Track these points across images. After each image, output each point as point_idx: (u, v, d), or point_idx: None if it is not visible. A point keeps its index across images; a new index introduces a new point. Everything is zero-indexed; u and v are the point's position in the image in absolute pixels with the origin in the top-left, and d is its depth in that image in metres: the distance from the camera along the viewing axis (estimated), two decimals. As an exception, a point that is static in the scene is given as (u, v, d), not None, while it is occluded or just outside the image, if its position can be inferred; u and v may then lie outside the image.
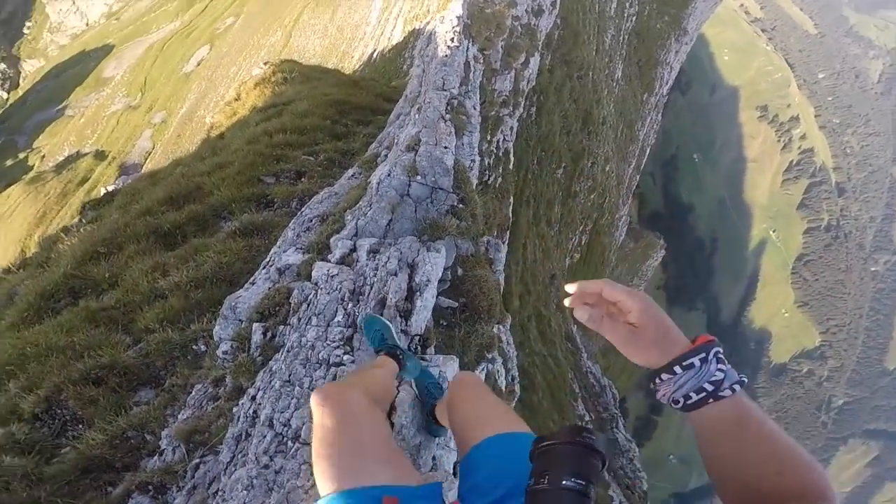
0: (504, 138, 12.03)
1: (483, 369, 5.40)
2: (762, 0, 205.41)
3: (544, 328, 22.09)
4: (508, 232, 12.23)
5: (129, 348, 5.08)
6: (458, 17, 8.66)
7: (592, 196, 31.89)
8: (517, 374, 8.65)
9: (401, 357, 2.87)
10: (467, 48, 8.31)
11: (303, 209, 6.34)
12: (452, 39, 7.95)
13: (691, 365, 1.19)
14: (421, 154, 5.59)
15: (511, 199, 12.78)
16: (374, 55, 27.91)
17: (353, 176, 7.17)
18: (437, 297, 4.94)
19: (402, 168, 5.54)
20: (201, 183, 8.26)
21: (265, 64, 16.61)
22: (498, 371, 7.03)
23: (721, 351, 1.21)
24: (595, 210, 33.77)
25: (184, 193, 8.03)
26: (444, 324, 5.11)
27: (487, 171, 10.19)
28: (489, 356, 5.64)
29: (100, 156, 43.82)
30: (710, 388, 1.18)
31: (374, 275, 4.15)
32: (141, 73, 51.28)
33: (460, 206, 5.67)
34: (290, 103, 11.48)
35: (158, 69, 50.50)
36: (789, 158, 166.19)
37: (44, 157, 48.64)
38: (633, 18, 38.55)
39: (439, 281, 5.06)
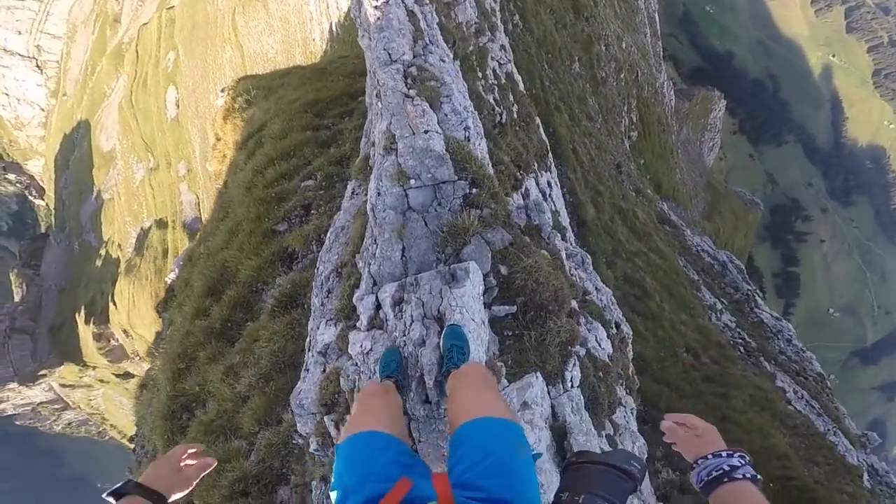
0: (498, 65, 10.42)
1: (574, 365, 4.50)
2: None
3: (633, 222, 20.48)
4: (549, 153, 10.70)
5: (248, 455, 5.40)
6: None
7: (622, 75, 29.74)
8: (621, 318, 7.80)
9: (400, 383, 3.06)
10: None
11: (318, 265, 5.78)
12: None
13: (720, 454, 1.73)
14: (402, 152, 4.49)
15: (538, 121, 11.20)
16: (334, 28, 26.86)
17: (353, 194, 6.29)
18: (489, 310, 4.21)
19: (389, 179, 4.49)
20: (226, 261, 8.05)
21: (223, 91, 15.62)
22: (600, 339, 5.96)
23: (745, 456, 1.72)
24: (632, 87, 31.54)
25: (217, 278, 7.98)
26: (510, 335, 4.27)
27: (497, 108, 8.70)
28: (575, 349, 4.57)
29: (161, 224, 44.92)
30: (727, 468, 1.67)
31: (405, 338, 3.59)
32: (133, 135, 51.28)
33: (474, 191, 4.52)
34: (263, 127, 10.64)
35: (146, 125, 50.24)
36: None
37: (119, 245, 50.61)
38: None
39: (485, 291, 4.24)
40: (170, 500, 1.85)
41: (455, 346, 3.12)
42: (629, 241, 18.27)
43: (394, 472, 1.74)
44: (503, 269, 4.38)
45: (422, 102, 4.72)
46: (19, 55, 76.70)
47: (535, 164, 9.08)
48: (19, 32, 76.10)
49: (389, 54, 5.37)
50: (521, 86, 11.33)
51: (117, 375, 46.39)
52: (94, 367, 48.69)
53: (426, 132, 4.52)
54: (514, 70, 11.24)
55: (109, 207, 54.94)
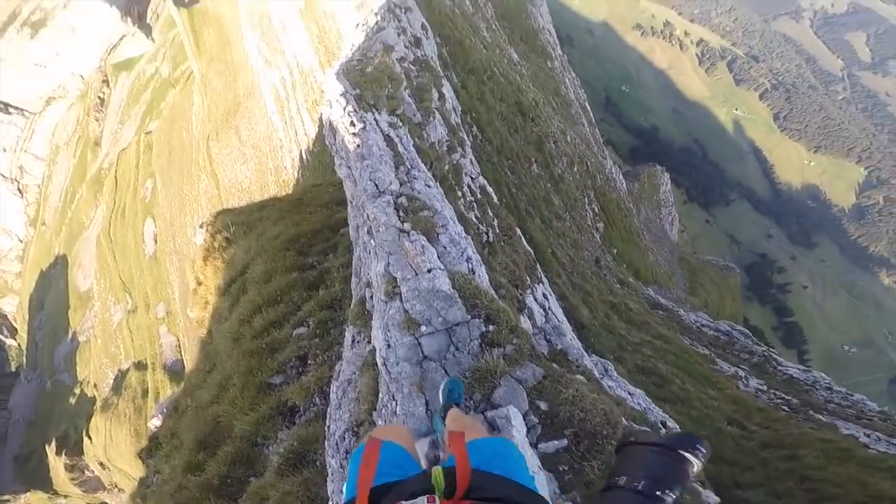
0: (471, 179, 10.44)
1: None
2: None
3: (627, 315, 20.14)
4: (537, 264, 10.47)
5: None
6: (344, 95, 7.19)
7: (575, 168, 30.73)
8: (663, 415, 7.64)
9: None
10: (376, 121, 6.78)
11: (328, 423, 5.37)
12: (352, 123, 6.44)
13: None
14: (407, 297, 4.14)
15: (518, 231, 11.08)
16: (304, 155, 27.49)
17: (354, 342, 5.89)
18: (536, 449, 3.80)
19: (398, 328, 4.15)
20: (218, 416, 7.48)
21: (201, 227, 15.21)
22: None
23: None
24: (586, 178, 32.51)
25: (208, 433, 7.42)
26: (566, 469, 3.87)
27: (481, 227, 8.50)
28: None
29: (140, 366, 43.85)
30: None
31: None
32: (111, 274, 50.62)
33: (490, 328, 4.08)
34: (246, 269, 10.23)
35: (123, 263, 49.81)
36: (692, 53, 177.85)
37: (95, 385, 48.95)
38: (489, 5, 38.72)
39: (527, 430, 3.84)
40: None
41: (456, 391, 3.53)
42: (630, 333, 17.92)
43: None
44: (542, 405, 3.99)
45: (419, 237, 4.40)
46: (1, 175, 77.21)
47: (528, 279, 8.78)
48: (3, 150, 76.90)
49: (376, 185, 5.14)
50: (496, 198, 11.34)
51: (93, 506, 43.12)
52: (65, 497, 45.74)
53: (429, 271, 4.22)
54: (487, 183, 11.29)
55: (85, 349, 53.38)
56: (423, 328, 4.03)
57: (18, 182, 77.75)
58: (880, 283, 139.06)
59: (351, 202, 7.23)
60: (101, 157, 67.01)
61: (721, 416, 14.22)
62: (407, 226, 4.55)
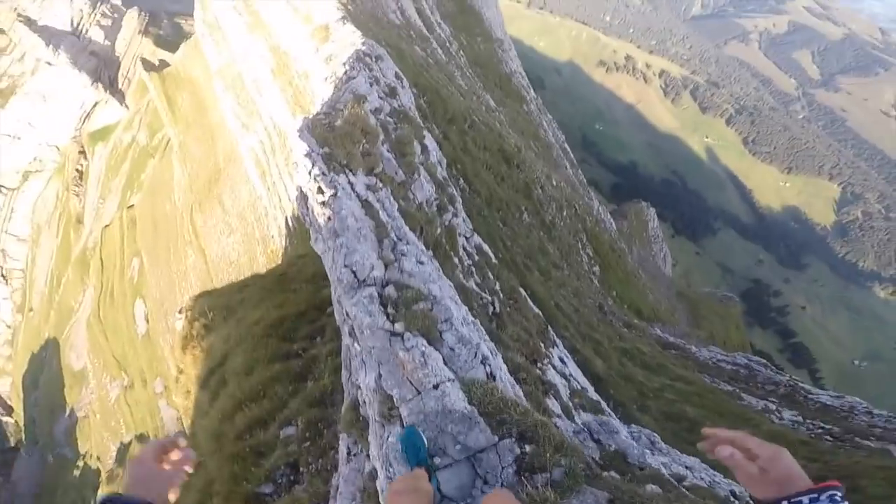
0: (466, 239, 9.47)
1: None
2: None
3: (642, 360, 19.19)
4: (548, 326, 9.42)
5: None
6: (309, 155, 6.25)
7: (565, 213, 30.17)
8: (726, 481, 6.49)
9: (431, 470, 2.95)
10: (350, 185, 5.82)
11: None
12: (321, 189, 5.44)
13: (799, 502, 1.33)
14: (410, 420, 3.06)
15: (523, 292, 10.09)
16: (290, 222, 26.45)
17: (351, 454, 4.88)
18: None
19: (400, 462, 3.12)
20: None
21: (180, 313, 14.14)
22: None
23: (838, 494, 1.32)
24: (577, 221, 31.95)
25: None
26: None
27: (485, 295, 7.45)
28: None
29: (142, 439, 42.18)
30: None
31: None
32: (104, 353, 49.04)
33: (528, 448, 3.01)
34: (225, 360, 9.13)
35: (116, 343, 48.28)
36: (657, 85, 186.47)
37: (98, 458, 47.14)
38: (461, 53, 39.34)
39: None
40: None
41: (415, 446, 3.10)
42: (648, 379, 16.96)
43: None
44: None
45: (416, 340, 3.37)
46: None
47: (543, 345, 7.73)
48: None
49: (354, 272, 4.08)
50: (493, 257, 10.39)
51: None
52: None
53: (436, 387, 3.18)
54: (482, 241, 10.36)
55: (85, 424, 51.63)
56: (437, 460, 3.02)
57: (2, 267, 76.84)
58: (876, 296, 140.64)
59: (333, 290, 6.27)
60: (85, 235, 66.04)
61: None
62: (399, 326, 3.51)
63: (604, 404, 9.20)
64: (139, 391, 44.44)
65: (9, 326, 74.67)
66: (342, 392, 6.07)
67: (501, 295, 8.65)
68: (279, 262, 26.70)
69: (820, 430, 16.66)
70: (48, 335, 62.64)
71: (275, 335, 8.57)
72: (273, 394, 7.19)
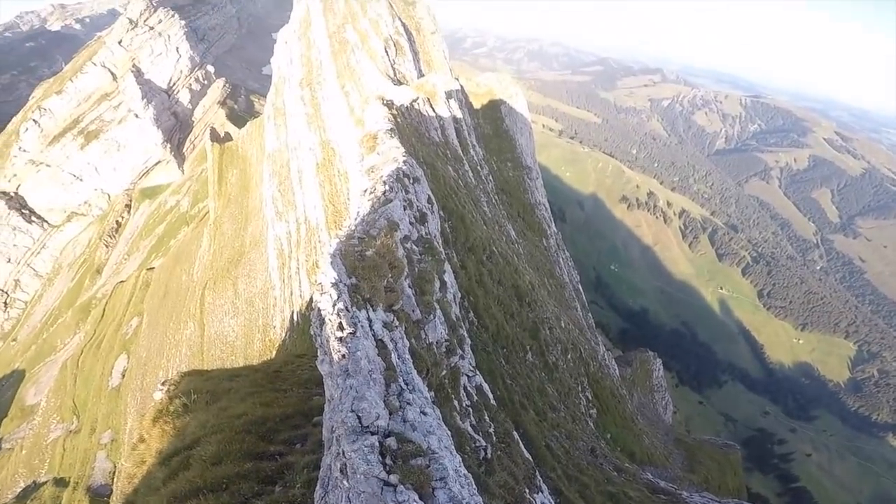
0: (468, 378, 9.74)
1: None
2: (550, 113, 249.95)
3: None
4: (536, 471, 9.41)
5: None
6: (336, 285, 6.71)
7: (569, 356, 30.25)
8: None
9: None
10: (369, 323, 6.26)
11: None
12: (341, 326, 5.84)
13: None
14: None
15: (516, 436, 10.16)
16: (294, 317, 26.86)
17: None
18: None
19: None
20: None
21: (163, 385, 13.96)
22: None
23: None
24: (580, 365, 31.86)
25: None
26: None
27: (478, 439, 7.62)
28: None
29: (60, 482, 40.70)
30: None
31: None
32: (66, 395, 48.32)
33: None
34: (196, 444, 8.81)
35: (83, 388, 47.69)
36: (676, 226, 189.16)
37: None
38: (490, 178, 40.90)
39: None
40: None
41: None
42: None
43: None
44: None
45: (408, 493, 3.65)
46: None
47: (528, 491, 7.79)
48: (9, 260, 76.51)
49: (359, 418, 4.41)
50: (492, 397, 10.62)
51: None
52: None
53: None
54: (482, 381, 10.64)
55: (5, 456, 50.25)
56: None
57: (8, 295, 77.24)
58: (889, 445, 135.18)
59: (329, 401, 6.47)
60: (98, 285, 67.60)
61: None
62: (394, 478, 3.82)
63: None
64: (83, 438, 43.65)
65: None
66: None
67: (494, 438, 8.81)
68: (274, 353, 26.95)
69: None
70: (18, 366, 62.74)
71: (254, 432, 8.49)
72: (237, 490, 6.90)
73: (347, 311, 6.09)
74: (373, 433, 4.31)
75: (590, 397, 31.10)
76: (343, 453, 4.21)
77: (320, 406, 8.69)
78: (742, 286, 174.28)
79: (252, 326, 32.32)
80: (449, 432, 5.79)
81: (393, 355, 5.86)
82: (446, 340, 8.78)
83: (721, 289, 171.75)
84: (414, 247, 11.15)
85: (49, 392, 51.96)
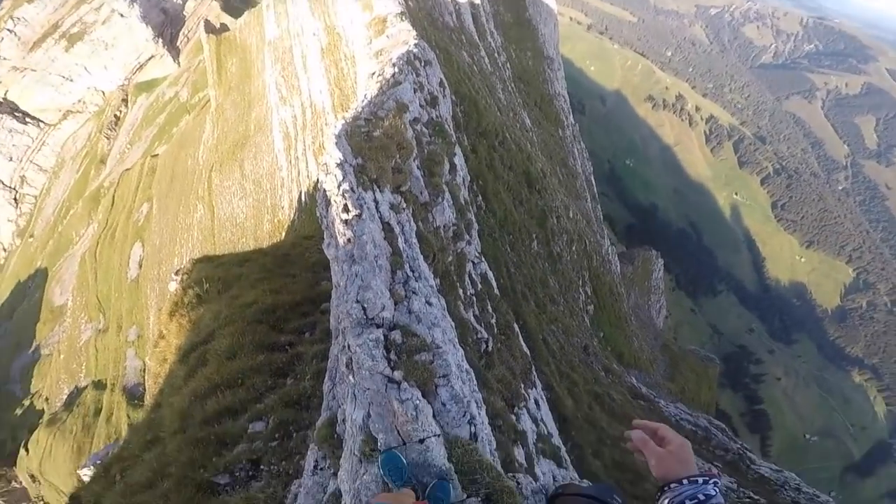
0: (473, 265, 9.57)
1: None
2: (580, 6, 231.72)
3: (610, 406, 19.63)
4: (532, 366, 9.52)
5: None
6: (342, 165, 6.31)
7: (574, 248, 30.16)
8: None
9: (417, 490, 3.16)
10: (375, 205, 5.91)
11: None
12: (346, 207, 5.50)
13: (695, 481, 1.66)
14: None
15: (516, 328, 10.18)
16: (302, 197, 26.99)
17: (318, 467, 4.95)
18: None
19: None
20: None
21: (176, 275, 14.14)
22: None
23: (718, 482, 1.71)
24: (583, 258, 31.88)
25: None
26: None
27: (480, 331, 7.55)
28: None
29: (99, 386, 42.76)
30: (701, 498, 1.61)
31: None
32: (89, 292, 49.86)
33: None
34: (211, 339, 8.99)
35: (104, 283, 49.08)
36: (701, 130, 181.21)
37: (47, 399, 47.72)
38: (508, 66, 38.90)
39: None
40: None
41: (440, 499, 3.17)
42: (610, 425, 17.23)
43: None
44: None
45: (412, 393, 3.51)
46: (2, 183, 77.19)
47: (523, 386, 7.86)
48: (10, 159, 77.78)
49: (364, 309, 4.18)
50: (495, 286, 10.50)
51: (12, 517, 41.55)
52: (-17, 505, 44.00)
53: (422, 441, 3.35)
54: (487, 269, 10.47)
55: (45, 363, 52.70)
56: (426, 479, 3.29)
57: (17, 191, 78.24)
58: (851, 380, 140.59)
59: (335, 287, 6.28)
60: (104, 175, 67.54)
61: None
62: (398, 374, 3.65)
63: (563, 450, 9.38)
64: (111, 337, 44.95)
65: (4, 250, 76.07)
66: (320, 397, 6.13)
67: (496, 329, 8.79)
68: (283, 234, 27.14)
69: (748, 500, 17.80)
70: (40, 265, 63.82)
71: (265, 322, 8.56)
72: (251, 384, 7.12)
73: (353, 191, 5.71)
74: (378, 325, 4.15)
75: (589, 293, 31.56)
76: (348, 347, 4.06)
77: (328, 292, 8.56)
78: (758, 195, 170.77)
79: (261, 207, 32.42)
80: (453, 323, 5.64)
81: (399, 239, 5.56)
82: (454, 224, 8.48)
83: (736, 195, 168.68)
84: (424, 129, 10.57)
85: (73, 290, 53.11)
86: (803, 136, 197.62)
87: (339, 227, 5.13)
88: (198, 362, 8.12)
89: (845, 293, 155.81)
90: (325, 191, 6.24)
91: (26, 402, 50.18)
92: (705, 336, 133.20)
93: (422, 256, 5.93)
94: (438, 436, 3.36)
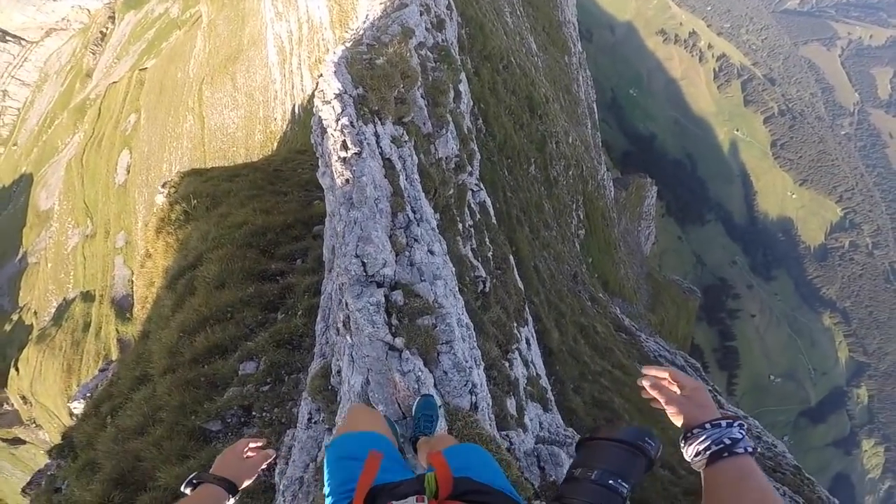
0: (472, 193, 9.25)
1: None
2: None
3: (594, 339, 19.90)
4: (525, 303, 9.45)
5: None
6: (340, 97, 5.81)
7: (570, 172, 29.76)
8: None
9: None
10: (377, 139, 5.51)
11: None
12: (345, 145, 5.05)
13: (718, 424, 1.56)
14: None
15: (512, 261, 9.99)
16: (296, 110, 26.58)
17: (312, 420, 4.80)
18: None
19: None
20: (139, 453, 6.19)
21: (163, 188, 13.65)
22: None
23: (744, 424, 1.59)
24: (579, 182, 31.58)
25: (129, 470, 6.25)
26: None
27: (477, 267, 7.33)
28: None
29: (87, 297, 42.46)
30: (727, 442, 1.51)
31: None
32: (76, 197, 49.17)
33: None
34: (199, 263, 8.61)
35: (91, 188, 48.36)
36: (710, 67, 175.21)
37: (36, 313, 47.40)
38: None
39: None
40: (240, 488, 1.96)
41: (425, 416, 3.18)
42: (593, 360, 17.55)
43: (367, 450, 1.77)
44: None
45: (414, 362, 3.30)
46: None
47: (516, 324, 7.76)
48: None
49: (364, 264, 3.86)
50: (493, 214, 10.19)
51: (4, 440, 41.66)
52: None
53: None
54: (486, 197, 10.12)
55: (33, 272, 52.25)
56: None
57: None
58: (821, 323, 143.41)
59: (330, 217, 5.90)
60: (90, 87, 65.10)
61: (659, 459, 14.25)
62: (400, 342, 3.41)
63: (549, 392, 9.50)
64: (99, 242, 44.38)
65: None
66: (312, 337, 5.97)
67: (492, 264, 8.60)
68: (275, 145, 26.65)
69: None
70: (25, 170, 62.60)
71: (255, 245, 8.20)
72: (241, 319, 6.86)
73: (353, 126, 5.24)
74: (379, 285, 3.87)
75: (581, 217, 31.50)
76: (346, 305, 3.81)
77: (320, 213, 8.21)
78: (758, 133, 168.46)
79: (253, 118, 31.80)
80: (453, 269, 5.40)
81: (401, 177, 5.19)
82: (457, 156, 8.04)
83: (737, 131, 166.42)
84: (429, 54, 9.86)
85: (59, 195, 51.76)
86: (815, 80, 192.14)
87: (337, 165, 4.73)
88: (185, 290, 7.83)
89: (830, 231, 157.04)
90: (320, 118, 5.76)
91: (15, 317, 50.01)
92: (689, 265, 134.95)
93: (423, 194, 5.58)
94: (440, 406, 3.21)
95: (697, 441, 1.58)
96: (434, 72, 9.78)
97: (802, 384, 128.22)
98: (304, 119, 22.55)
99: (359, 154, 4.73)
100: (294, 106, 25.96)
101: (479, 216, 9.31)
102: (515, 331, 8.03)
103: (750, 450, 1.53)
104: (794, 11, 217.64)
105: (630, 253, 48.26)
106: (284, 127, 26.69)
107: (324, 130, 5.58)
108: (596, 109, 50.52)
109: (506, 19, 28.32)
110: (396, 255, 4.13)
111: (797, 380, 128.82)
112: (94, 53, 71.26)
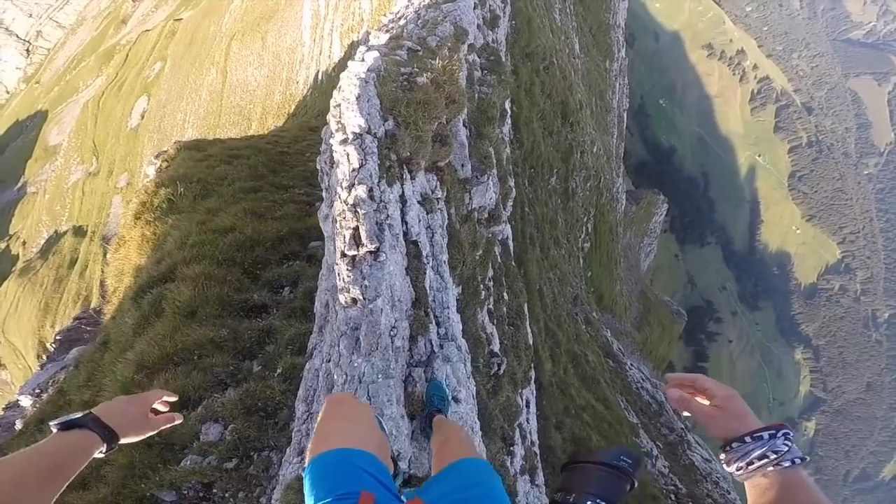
0: (500, 244, 8.23)
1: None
2: None
3: (584, 369, 19.38)
4: (532, 366, 8.60)
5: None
6: (361, 137, 4.31)
7: (588, 184, 28.82)
8: None
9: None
10: (401, 206, 4.38)
11: None
12: (357, 235, 3.74)
13: (760, 437, 1.42)
14: None
15: (525, 310, 9.08)
16: (320, 76, 26.09)
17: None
18: None
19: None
20: None
21: (157, 158, 12.62)
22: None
23: (790, 433, 1.43)
24: (594, 194, 30.64)
25: None
26: None
27: (493, 343, 6.39)
28: None
29: (79, 232, 42.28)
30: (772, 456, 1.39)
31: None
32: (86, 135, 49.15)
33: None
34: (171, 275, 7.31)
35: (103, 128, 48.41)
36: (749, 88, 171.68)
37: (24, 242, 47.48)
38: None
39: None
40: (121, 442, 1.69)
41: (437, 396, 3.22)
42: (579, 393, 17.07)
43: (361, 485, 1.58)
44: None
45: None
46: (16, 36, 76.46)
47: (520, 392, 6.90)
48: (30, 15, 75.29)
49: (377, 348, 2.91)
50: (512, 252, 9.20)
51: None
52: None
53: None
54: (509, 231, 9.13)
55: (30, 201, 52.64)
56: None
57: (30, 44, 74.86)
58: (792, 356, 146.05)
59: (326, 266, 4.82)
60: (123, 33, 65.02)
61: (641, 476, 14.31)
62: None
63: (538, 458, 8.71)
64: (101, 180, 44.36)
65: (8, 92, 74.53)
66: (291, 409, 5.04)
67: (506, 324, 7.67)
68: (293, 107, 26.22)
69: (671, 488, 18.26)
70: (41, 107, 62.65)
71: (239, 263, 7.07)
72: (209, 366, 5.76)
73: (372, 199, 4.01)
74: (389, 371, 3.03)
75: (589, 230, 30.65)
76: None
77: (318, 225, 7.05)
78: (780, 161, 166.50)
79: (275, 78, 31.84)
80: (470, 371, 4.45)
81: (427, 266, 4.15)
82: (492, 207, 6.95)
83: (759, 156, 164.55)
84: (476, 59, 8.52)
85: (70, 132, 51.31)
86: (854, 115, 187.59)
87: (342, 266, 3.60)
88: (151, 309, 6.71)
89: (824, 272, 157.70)
90: (332, 153, 4.62)
91: (2, 246, 49.95)
92: (680, 284, 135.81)
93: (451, 281, 4.61)
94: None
95: (738, 456, 1.43)
96: (481, 86, 8.57)
97: (759, 411, 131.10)
98: (326, 86, 21.74)
99: (375, 255, 3.63)
100: (318, 72, 25.79)
101: (500, 261, 8.27)
102: (518, 398, 7.17)
103: (798, 461, 1.38)
104: (857, 42, 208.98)
105: (629, 268, 47.64)
106: (305, 91, 26.49)
107: (334, 163, 4.46)
108: (625, 118, 49.23)
109: (554, 15, 26.95)
110: (411, 422, 3.17)
111: (756, 406, 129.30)
112: (134, 0, 70.49)
